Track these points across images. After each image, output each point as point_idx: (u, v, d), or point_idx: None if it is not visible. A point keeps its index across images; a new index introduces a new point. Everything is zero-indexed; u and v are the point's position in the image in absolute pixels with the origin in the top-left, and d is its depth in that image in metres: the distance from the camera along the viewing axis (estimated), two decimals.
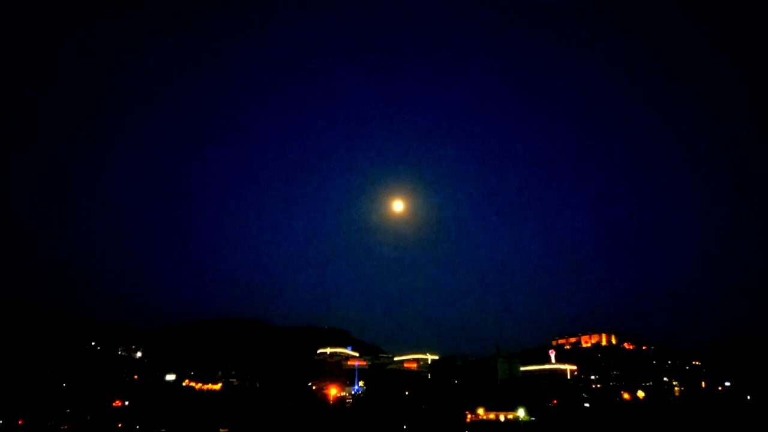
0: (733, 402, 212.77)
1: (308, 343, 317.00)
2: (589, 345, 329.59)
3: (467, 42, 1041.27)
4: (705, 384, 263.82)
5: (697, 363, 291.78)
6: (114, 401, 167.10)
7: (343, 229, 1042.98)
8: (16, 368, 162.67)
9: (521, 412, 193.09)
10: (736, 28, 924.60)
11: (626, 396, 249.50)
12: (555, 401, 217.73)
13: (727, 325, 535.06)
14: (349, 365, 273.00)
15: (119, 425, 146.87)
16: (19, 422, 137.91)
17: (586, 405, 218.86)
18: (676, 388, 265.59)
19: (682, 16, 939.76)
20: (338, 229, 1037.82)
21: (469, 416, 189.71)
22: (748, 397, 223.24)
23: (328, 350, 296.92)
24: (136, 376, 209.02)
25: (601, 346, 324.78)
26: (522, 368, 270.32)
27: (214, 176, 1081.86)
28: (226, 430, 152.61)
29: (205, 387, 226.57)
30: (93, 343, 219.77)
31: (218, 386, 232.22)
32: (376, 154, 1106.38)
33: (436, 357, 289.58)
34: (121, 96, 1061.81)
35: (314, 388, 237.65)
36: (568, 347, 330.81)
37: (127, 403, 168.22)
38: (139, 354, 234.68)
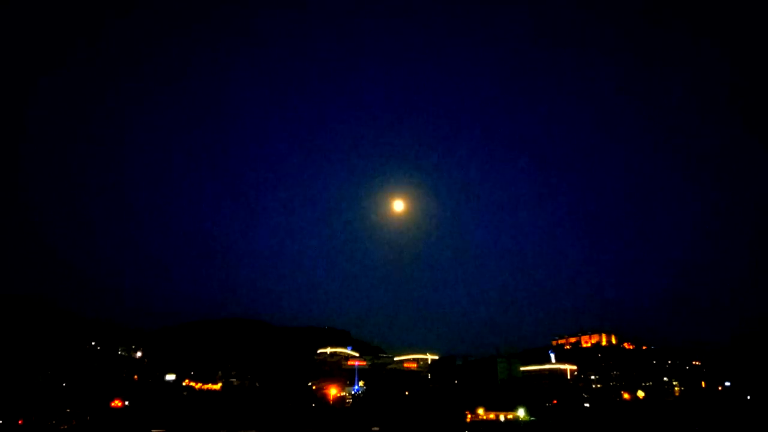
0: (733, 402, 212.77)
1: (308, 343, 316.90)
2: (589, 345, 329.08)
3: (468, 43, 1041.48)
4: (705, 384, 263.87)
5: (697, 363, 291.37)
6: (114, 401, 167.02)
7: (343, 229, 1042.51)
8: (17, 368, 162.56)
9: (521, 412, 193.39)
10: (733, 25, 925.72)
11: (626, 396, 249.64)
12: (555, 401, 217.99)
13: (727, 325, 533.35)
14: (349, 365, 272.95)
15: (119, 425, 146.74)
16: (19, 422, 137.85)
17: (586, 405, 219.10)
18: (676, 388, 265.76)
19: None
20: (338, 229, 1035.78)
21: (469, 416, 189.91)
22: (748, 397, 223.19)
23: (328, 350, 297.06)
24: (136, 376, 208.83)
25: (601, 346, 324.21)
26: (522, 368, 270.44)
27: (214, 176, 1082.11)
28: (226, 430, 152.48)
29: (205, 387, 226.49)
30: (93, 343, 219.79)
31: (218, 386, 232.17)
32: (376, 154, 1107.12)
33: (436, 357, 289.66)
34: (126, 95, 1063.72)
35: (314, 388, 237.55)
36: (568, 347, 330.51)
37: (127, 403, 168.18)
38: (139, 354, 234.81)
